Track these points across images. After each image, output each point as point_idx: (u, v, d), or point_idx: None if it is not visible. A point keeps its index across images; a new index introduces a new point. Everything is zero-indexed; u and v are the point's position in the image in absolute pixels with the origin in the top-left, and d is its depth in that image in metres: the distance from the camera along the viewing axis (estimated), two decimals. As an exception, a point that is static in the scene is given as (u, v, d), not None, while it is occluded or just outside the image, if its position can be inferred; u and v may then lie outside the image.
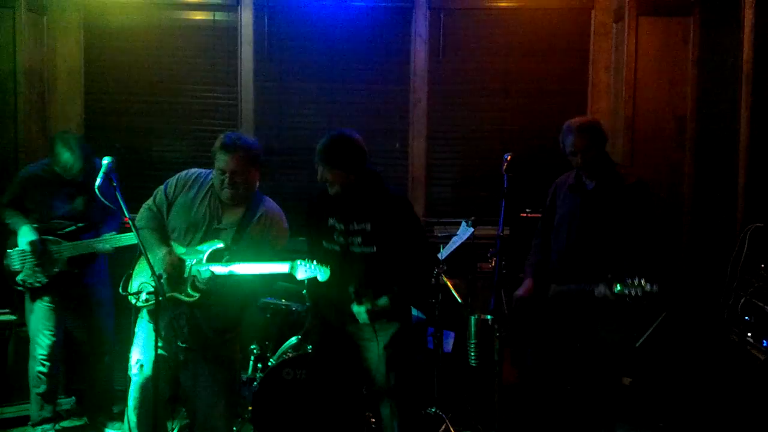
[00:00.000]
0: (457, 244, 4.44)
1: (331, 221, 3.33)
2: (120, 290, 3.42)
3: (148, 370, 3.31)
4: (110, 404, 4.39)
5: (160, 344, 3.15)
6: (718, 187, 4.50)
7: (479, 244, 4.50)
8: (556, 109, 5.06)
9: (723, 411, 3.78)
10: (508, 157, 3.41)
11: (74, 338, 4.34)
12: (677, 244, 4.82)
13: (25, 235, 3.94)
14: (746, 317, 3.75)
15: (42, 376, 4.08)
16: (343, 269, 3.25)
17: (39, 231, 3.97)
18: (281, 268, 3.21)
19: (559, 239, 3.77)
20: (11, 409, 4.29)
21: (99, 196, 3.12)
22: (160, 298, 3.07)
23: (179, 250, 3.35)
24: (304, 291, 4.19)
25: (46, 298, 4.07)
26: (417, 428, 3.63)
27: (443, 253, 4.40)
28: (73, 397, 4.52)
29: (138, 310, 3.42)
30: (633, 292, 3.27)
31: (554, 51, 5.15)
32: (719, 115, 4.55)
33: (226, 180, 3.27)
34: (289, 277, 3.23)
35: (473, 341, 4.14)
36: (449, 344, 4.60)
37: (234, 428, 3.94)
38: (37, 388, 4.09)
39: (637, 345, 4.25)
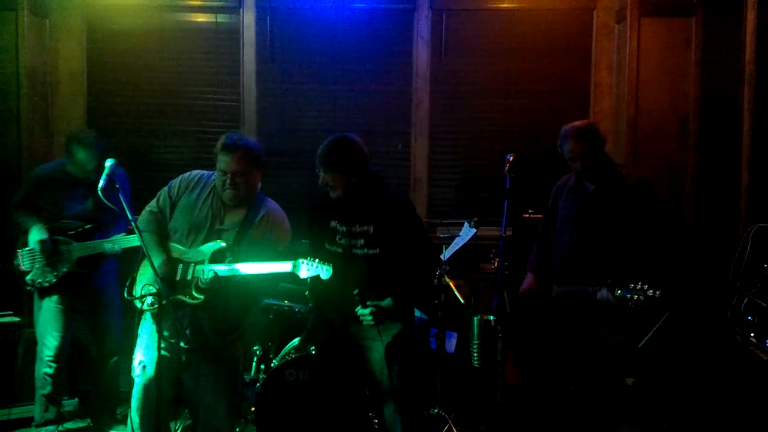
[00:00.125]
0: (460, 245, 4.44)
1: (333, 223, 3.33)
2: (125, 294, 3.43)
3: (150, 371, 3.31)
4: (114, 406, 4.39)
5: (163, 345, 3.15)
6: (721, 187, 4.50)
7: (482, 244, 4.51)
8: (559, 109, 5.06)
9: (726, 411, 3.77)
10: (511, 158, 3.41)
11: (81, 340, 4.35)
12: (680, 245, 4.81)
13: (36, 235, 3.95)
14: (749, 317, 3.74)
15: (48, 378, 4.08)
16: (346, 271, 3.25)
17: (49, 231, 3.98)
18: (284, 267, 3.21)
19: (560, 241, 3.77)
20: (17, 410, 4.29)
21: (102, 197, 3.12)
22: (164, 301, 3.07)
23: (181, 250, 3.36)
24: (307, 292, 4.19)
25: (55, 299, 4.07)
26: (420, 429, 3.64)
27: (446, 254, 4.40)
28: (77, 399, 4.52)
29: (142, 312, 3.43)
30: (635, 297, 3.27)
31: (556, 52, 5.15)
32: (722, 115, 4.55)
33: (228, 181, 3.27)
34: (292, 277, 3.23)
35: (476, 342, 4.14)
36: (452, 345, 4.60)
37: (237, 429, 3.94)
38: (43, 389, 4.09)
39: (640, 345, 4.24)
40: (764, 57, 4.10)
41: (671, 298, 3.72)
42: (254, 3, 5.14)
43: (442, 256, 4.37)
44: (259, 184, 3.44)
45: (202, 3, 5.21)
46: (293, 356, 3.99)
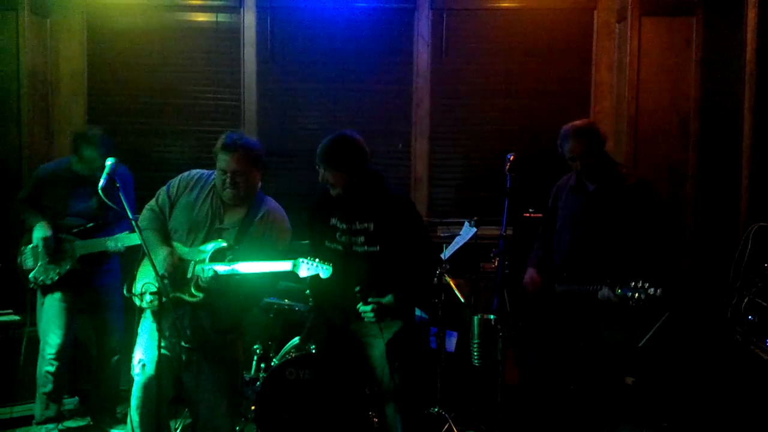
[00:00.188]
0: (460, 244, 4.44)
1: (333, 221, 3.34)
2: (124, 292, 3.44)
3: (150, 370, 3.32)
4: (114, 405, 4.40)
5: (163, 344, 3.15)
6: (722, 186, 4.50)
7: (482, 244, 4.51)
8: (559, 109, 5.06)
9: (726, 411, 3.77)
10: (511, 157, 3.42)
11: (82, 339, 4.35)
12: (680, 244, 4.81)
13: (39, 232, 3.96)
14: (750, 317, 3.74)
15: (49, 376, 4.09)
16: (346, 269, 3.25)
17: (53, 228, 3.99)
18: (284, 266, 3.21)
19: (561, 241, 3.77)
20: (19, 408, 4.30)
21: (102, 196, 3.12)
22: (164, 299, 3.07)
23: (182, 250, 3.36)
24: (307, 291, 4.19)
25: (58, 297, 4.08)
26: (420, 428, 3.64)
27: (446, 253, 4.40)
28: (77, 398, 4.53)
29: (142, 310, 3.44)
30: (636, 296, 3.27)
31: (557, 51, 5.15)
32: (722, 114, 4.55)
33: (227, 180, 3.28)
34: (293, 276, 3.24)
35: (476, 341, 4.14)
36: (452, 344, 4.60)
37: (237, 428, 3.95)
38: (44, 387, 4.10)
39: (640, 345, 4.24)
40: (765, 57, 4.10)
41: (671, 297, 3.72)
42: (255, 3, 5.14)
43: (442, 256, 4.38)
44: (259, 184, 3.45)
45: (203, 2, 5.21)
46: (293, 355, 4.00)
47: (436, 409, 4.22)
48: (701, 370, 4.10)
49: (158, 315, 3.18)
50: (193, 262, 3.32)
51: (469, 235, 4.41)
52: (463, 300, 4.30)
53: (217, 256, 3.29)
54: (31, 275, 4.03)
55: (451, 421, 4.15)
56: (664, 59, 4.84)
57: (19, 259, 4.07)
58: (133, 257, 3.84)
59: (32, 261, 4.03)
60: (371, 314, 3.19)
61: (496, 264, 4.23)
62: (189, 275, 3.31)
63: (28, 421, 4.24)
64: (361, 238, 3.26)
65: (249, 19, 5.16)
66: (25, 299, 4.23)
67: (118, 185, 3.14)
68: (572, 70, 5.16)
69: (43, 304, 4.11)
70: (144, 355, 3.38)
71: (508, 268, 4.01)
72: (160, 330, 3.11)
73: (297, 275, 3.20)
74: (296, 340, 4.18)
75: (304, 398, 3.86)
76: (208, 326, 3.38)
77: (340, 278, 3.21)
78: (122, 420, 4.16)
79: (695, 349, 4.22)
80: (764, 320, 3.63)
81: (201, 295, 3.28)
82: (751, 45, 4.16)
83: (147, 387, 3.35)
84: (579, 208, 3.70)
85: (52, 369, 4.08)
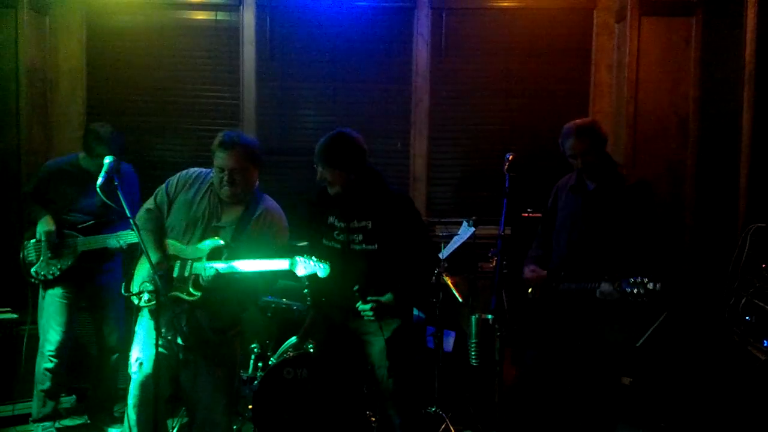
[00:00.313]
0: (458, 244, 4.43)
1: (331, 219, 3.33)
2: (122, 291, 3.43)
3: (147, 368, 3.31)
4: (112, 404, 4.39)
5: (160, 342, 3.15)
6: (720, 187, 4.50)
7: (480, 243, 4.50)
8: (558, 108, 5.06)
9: (724, 411, 3.77)
10: (510, 157, 3.41)
11: (82, 338, 4.35)
12: (679, 244, 4.81)
13: (43, 226, 3.97)
14: (747, 317, 3.74)
15: (48, 373, 4.09)
16: (344, 267, 3.25)
17: (58, 223, 3.99)
18: (281, 264, 3.20)
19: (560, 240, 3.77)
20: (21, 406, 4.29)
21: (101, 194, 3.12)
22: (161, 298, 3.07)
23: (179, 247, 3.36)
24: (305, 290, 4.19)
25: (59, 292, 4.08)
26: (417, 427, 3.63)
27: (444, 253, 4.40)
28: (74, 396, 4.53)
29: (139, 309, 3.43)
30: (636, 291, 3.27)
31: (556, 51, 5.15)
32: (721, 115, 4.55)
33: (225, 178, 3.27)
34: (291, 275, 3.24)
35: (474, 341, 4.13)
36: (450, 344, 4.60)
37: (234, 427, 3.94)
38: (42, 384, 4.10)
39: (637, 345, 4.24)
40: (764, 57, 4.09)
41: (670, 297, 3.72)
42: (254, 1, 5.13)
43: (440, 255, 4.37)
44: (257, 182, 3.45)
45: (202, 1, 5.21)
46: (291, 354, 3.99)
47: (434, 409, 4.22)
48: (699, 370, 4.10)
49: (155, 313, 3.19)
50: (190, 260, 3.32)
51: (468, 235, 4.40)
52: (461, 299, 4.29)
53: (215, 255, 3.28)
54: (33, 269, 4.04)
55: (449, 420, 4.15)
56: (663, 59, 4.84)
57: (21, 253, 4.08)
58: (135, 257, 3.85)
59: (35, 255, 4.04)
60: (370, 312, 3.19)
61: (494, 264, 4.23)
62: (186, 273, 3.31)
63: (25, 419, 4.23)
64: (359, 237, 3.25)
65: (248, 17, 5.15)
66: (26, 296, 4.24)
67: (116, 183, 3.13)
68: (571, 70, 5.16)
69: (45, 302, 4.11)
70: (141, 353, 3.38)
71: (507, 267, 3.99)
72: (157, 328, 3.10)
73: (295, 274, 3.20)
74: (294, 339, 4.18)
75: (302, 397, 3.86)
76: (205, 325, 3.38)
77: (338, 277, 3.20)
78: (120, 419, 4.15)
79: (693, 349, 4.22)
80: (761, 321, 3.63)
81: (199, 293, 3.28)
82: (750, 45, 4.16)
83: (144, 385, 3.34)
84: (579, 207, 3.70)
85: (51, 366, 4.08)
